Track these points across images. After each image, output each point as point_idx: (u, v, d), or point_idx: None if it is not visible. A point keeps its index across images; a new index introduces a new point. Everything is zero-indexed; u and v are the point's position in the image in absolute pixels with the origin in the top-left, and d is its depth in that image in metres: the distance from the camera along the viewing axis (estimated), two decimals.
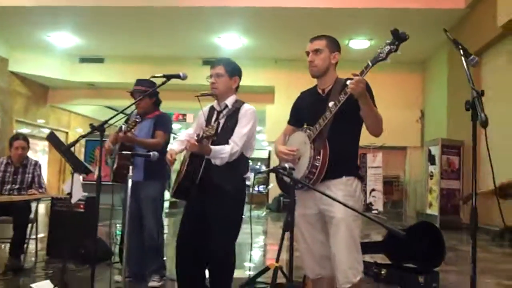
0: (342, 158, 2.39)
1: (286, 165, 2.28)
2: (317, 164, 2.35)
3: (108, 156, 3.94)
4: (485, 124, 1.76)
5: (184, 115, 14.39)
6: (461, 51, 2.06)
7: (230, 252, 2.94)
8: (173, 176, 3.18)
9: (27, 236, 4.59)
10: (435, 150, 10.04)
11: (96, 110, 16.05)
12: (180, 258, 2.96)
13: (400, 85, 12.62)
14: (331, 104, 2.37)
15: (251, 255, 5.30)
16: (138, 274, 4.12)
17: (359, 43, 11.16)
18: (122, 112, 2.85)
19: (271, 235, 8.59)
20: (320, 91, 2.55)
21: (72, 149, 3.53)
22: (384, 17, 9.07)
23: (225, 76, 2.97)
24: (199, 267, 2.96)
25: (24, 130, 13.01)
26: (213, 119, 3.01)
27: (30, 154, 5.05)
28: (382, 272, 4.25)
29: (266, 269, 3.39)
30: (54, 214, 5.09)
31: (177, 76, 2.90)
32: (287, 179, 2.43)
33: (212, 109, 3.11)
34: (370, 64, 2.24)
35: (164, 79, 2.93)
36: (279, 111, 11.41)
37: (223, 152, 2.78)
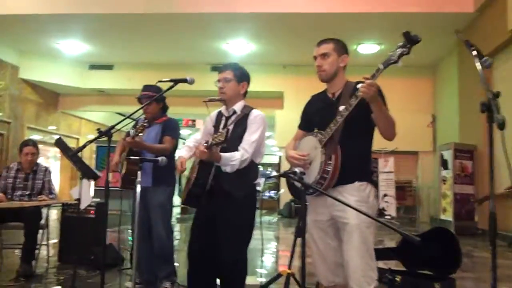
0: (354, 163, 2.34)
1: (297, 169, 2.25)
2: (329, 169, 2.30)
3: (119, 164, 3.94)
4: (502, 125, 1.70)
5: (194, 120, 14.43)
6: (474, 52, 2.01)
7: (241, 260, 2.89)
8: (183, 181, 3.15)
9: (38, 242, 4.60)
10: (448, 155, 9.91)
11: (106, 117, 16.13)
12: (191, 266, 2.93)
13: (411, 90, 12.51)
14: (342, 108, 2.32)
15: (262, 262, 5.25)
16: (148, 281, 4.09)
17: (368, 48, 11.10)
18: (129, 117, 2.83)
19: (283, 241, 8.53)
20: (330, 95, 2.52)
21: (83, 155, 3.52)
22: (393, 21, 9.01)
23: (233, 81, 2.94)
24: (211, 275, 2.92)
25: (36, 136, 13.09)
26: (222, 125, 2.98)
27: (41, 160, 5.07)
28: (397, 279, 4.17)
29: (279, 275, 3.34)
30: (65, 220, 5.10)
31: (184, 81, 2.87)
32: (298, 184, 2.38)
33: (220, 114, 3.07)
34: (381, 67, 2.19)
35: (171, 83, 2.90)
36: (288, 116, 11.38)
37: (233, 159, 2.74)
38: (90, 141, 2.84)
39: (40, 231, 4.61)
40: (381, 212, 11.12)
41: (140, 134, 3.58)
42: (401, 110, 10.87)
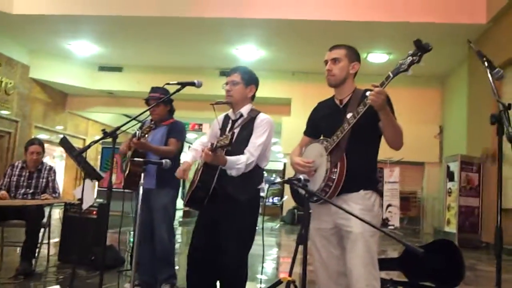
0: (360, 172, 2.31)
1: (301, 176, 2.22)
2: (334, 177, 2.27)
3: (123, 162, 3.94)
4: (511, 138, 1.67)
5: (200, 125, 14.45)
6: (486, 63, 1.99)
7: (242, 265, 2.86)
8: (187, 184, 3.14)
9: (39, 241, 4.59)
10: (454, 167, 9.84)
11: (114, 118, 16.19)
12: (191, 269, 2.90)
13: (419, 100, 12.46)
14: (349, 115, 2.30)
15: (263, 267, 5.22)
16: (148, 283, 4.07)
17: (377, 57, 11.08)
18: (134, 118, 2.82)
19: (285, 247, 8.48)
20: (337, 101, 2.49)
21: (88, 156, 3.52)
22: (403, 31, 8.98)
23: (241, 84, 2.93)
24: (210, 278, 2.89)
25: (43, 136, 13.16)
26: (228, 128, 2.96)
27: (47, 159, 5.08)
28: None
29: (279, 282, 3.31)
30: (66, 220, 5.08)
31: (192, 84, 2.86)
32: (301, 191, 2.36)
33: (227, 117, 3.06)
34: (391, 75, 2.16)
35: (179, 86, 2.89)
36: (295, 123, 11.35)
37: (239, 163, 2.72)
38: (95, 142, 2.84)
39: (42, 229, 4.60)
40: (384, 222, 11.05)
41: (146, 136, 3.57)
42: (408, 120, 10.92)
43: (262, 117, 2.92)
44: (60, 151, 15.11)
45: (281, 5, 9.37)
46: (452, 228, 9.61)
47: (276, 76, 12.56)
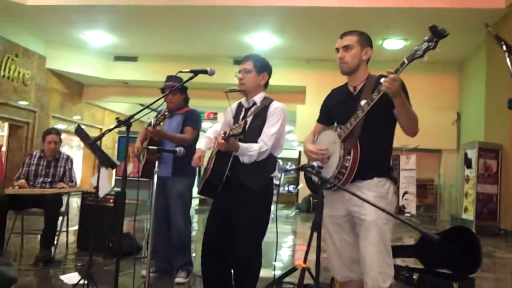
0: (374, 159, 2.30)
1: (314, 163, 2.22)
2: (347, 164, 2.26)
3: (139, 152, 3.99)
4: None
5: (215, 113, 14.47)
6: (504, 47, 1.94)
7: (255, 252, 2.87)
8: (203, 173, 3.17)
9: (58, 229, 4.68)
10: (472, 154, 9.71)
11: (130, 108, 16.30)
12: (205, 255, 2.93)
13: (436, 87, 12.27)
14: (363, 102, 2.28)
15: (276, 255, 5.25)
16: (164, 269, 4.13)
17: (393, 43, 10.90)
18: (148, 107, 2.83)
19: (300, 235, 8.51)
20: (351, 88, 2.46)
21: (105, 145, 3.57)
22: (419, 16, 8.81)
23: (253, 72, 2.92)
24: (225, 265, 2.91)
25: (60, 126, 13.32)
26: (241, 116, 2.96)
27: (65, 149, 5.17)
28: (414, 277, 4.11)
29: (293, 269, 3.33)
30: (84, 208, 5.18)
31: (205, 72, 2.86)
32: (315, 178, 2.35)
33: (240, 105, 3.06)
34: (406, 61, 2.12)
35: (192, 74, 2.90)
36: (310, 111, 11.24)
37: (251, 150, 2.72)
38: (109, 130, 2.86)
39: (60, 218, 4.68)
40: (400, 210, 10.99)
41: (160, 124, 3.60)
42: (425, 107, 10.81)
43: (275, 105, 2.91)
44: (78, 140, 15.29)
45: None
46: (469, 215, 9.52)
47: (290, 64, 12.48)
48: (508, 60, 1.88)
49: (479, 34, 9.27)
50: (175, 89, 3.70)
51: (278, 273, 4.16)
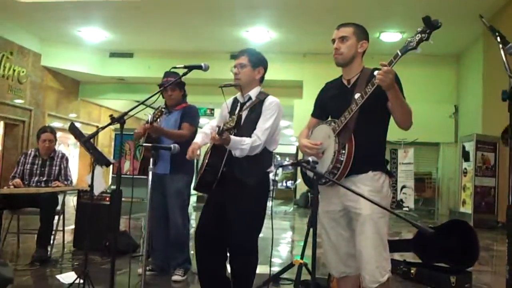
0: (369, 153, 2.28)
1: (310, 158, 2.20)
2: (342, 159, 2.24)
3: (136, 148, 3.97)
4: None
5: (212, 109, 14.42)
6: (499, 39, 1.92)
7: (251, 248, 2.85)
8: None
9: (55, 228, 4.65)
10: (470, 146, 9.70)
11: (126, 105, 16.23)
12: (198, 251, 2.90)
13: (433, 80, 12.24)
14: (357, 96, 2.26)
15: (272, 251, 5.24)
16: (162, 267, 4.11)
17: (390, 36, 10.87)
18: (142, 103, 2.80)
19: (298, 231, 8.50)
20: (345, 82, 2.44)
21: (102, 143, 3.54)
22: (417, 9, 8.75)
23: (248, 67, 2.89)
24: (219, 260, 2.89)
25: (56, 124, 13.26)
26: (236, 111, 2.94)
27: (62, 147, 5.13)
28: (412, 271, 4.11)
29: (291, 265, 3.32)
30: (80, 207, 5.14)
31: (199, 67, 2.83)
32: (310, 174, 2.33)
33: (235, 100, 3.04)
34: (399, 53, 2.10)
35: (186, 70, 2.86)
36: (307, 106, 11.10)
37: (243, 144, 2.69)
38: (103, 127, 2.84)
39: (56, 217, 4.66)
40: (399, 204, 10.99)
41: (157, 120, 3.57)
42: (422, 100, 10.79)
43: (270, 100, 2.89)
44: (74, 139, 15.24)
45: None
46: (467, 209, 9.53)
47: (287, 58, 12.44)
48: (502, 51, 1.86)
49: (476, 26, 9.24)
50: (173, 83, 3.64)
51: (276, 269, 4.15)
